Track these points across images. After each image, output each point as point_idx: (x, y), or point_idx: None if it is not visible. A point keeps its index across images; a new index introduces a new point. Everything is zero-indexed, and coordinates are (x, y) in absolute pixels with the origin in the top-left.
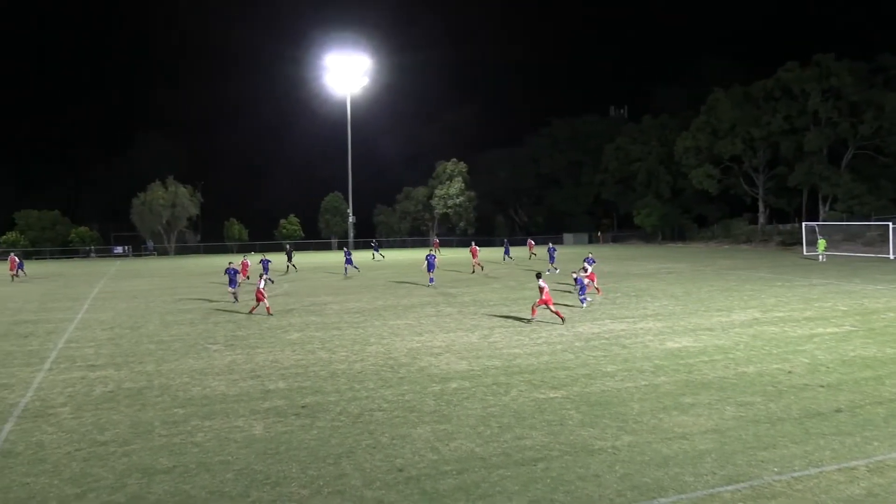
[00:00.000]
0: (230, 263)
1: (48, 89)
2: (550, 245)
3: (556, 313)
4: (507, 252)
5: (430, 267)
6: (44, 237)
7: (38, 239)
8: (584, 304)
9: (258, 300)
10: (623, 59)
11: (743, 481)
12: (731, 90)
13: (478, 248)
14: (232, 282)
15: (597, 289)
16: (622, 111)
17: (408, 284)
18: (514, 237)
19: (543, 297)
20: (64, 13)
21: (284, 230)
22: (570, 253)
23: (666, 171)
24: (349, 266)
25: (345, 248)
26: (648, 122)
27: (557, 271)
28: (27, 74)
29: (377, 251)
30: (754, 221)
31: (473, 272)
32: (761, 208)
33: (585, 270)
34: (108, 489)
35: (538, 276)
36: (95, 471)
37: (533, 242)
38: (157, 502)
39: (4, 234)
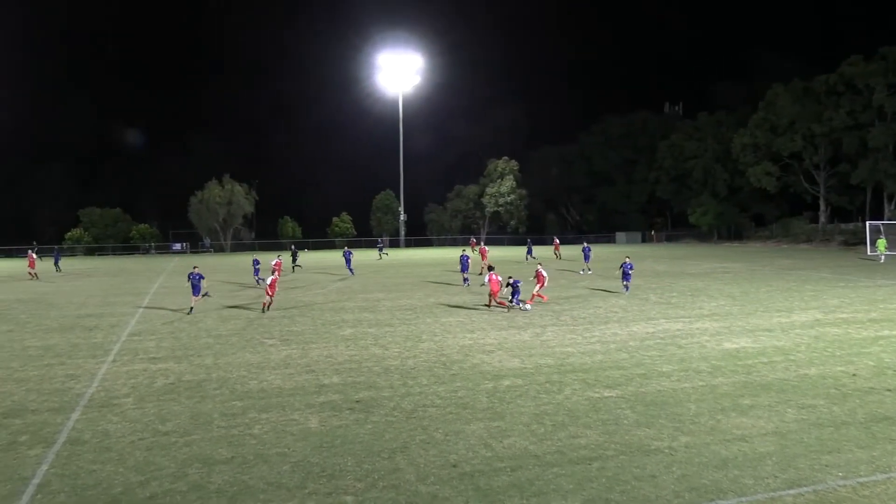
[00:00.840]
0: (195, 268)
1: (110, 92)
2: (585, 245)
3: (501, 303)
4: (529, 252)
5: (464, 267)
6: (106, 234)
7: (101, 236)
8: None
9: (270, 293)
10: (678, 55)
11: (806, 485)
12: (790, 85)
13: (486, 248)
14: (195, 288)
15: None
16: (677, 108)
17: (459, 283)
18: (566, 235)
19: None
20: (123, 18)
21: (337, 228)
22: (616, 252)
23: (722, 168)
24: (348, 266)
25: (345, 249)
26: (704, 118)
27: (591, 272)
28: (89, 80)
29: (382, 251)
30: (815, 220)
31: (480, 273)
32: (822, 207)
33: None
34: (170, 478)
35: (490, 268)
36: (158, 459)
37: (559, 242)
38: (217, 492)
39: (69, 231)
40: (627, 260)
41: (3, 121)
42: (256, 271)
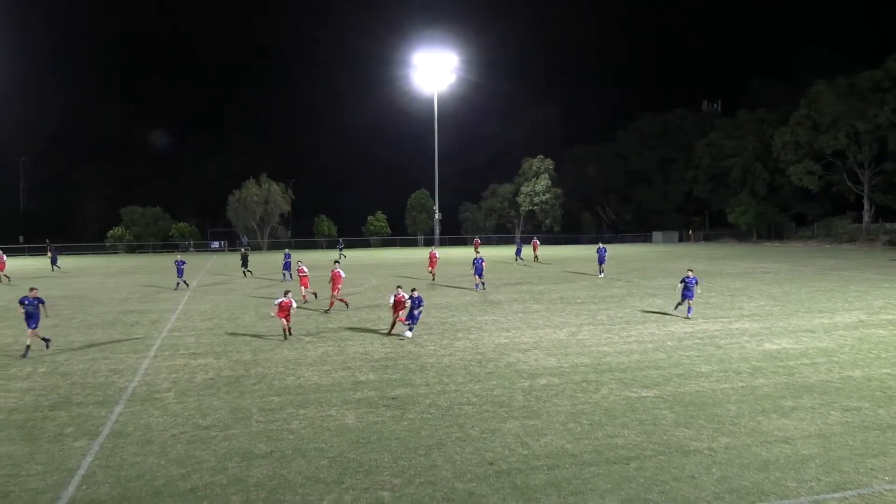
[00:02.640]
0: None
1: (151, 94)
2: (601, 246)
3: (342, 300)
4: (518, 252)
5: (479, 271)
6: (147, 232)
7: (142, 234)
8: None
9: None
10: (716, 52)
11: (850, 489)
12: (834, 82)
13: (437, 253)
14: (180, 272)
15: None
16: (715, 106)
17: (493, 280)
18: (602, 234)
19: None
20: (164, 22)
21: (372, 227)
22: (653, 252)
23: (762, 167)
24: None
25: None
26: (744, 116)
27: (602, 275)
28: (132, 82)
29: (341, 251)
30: (858, 220)
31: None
32: (866, 206)
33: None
34: (211, 471)
35: (336, 261)
36: (199, 453)
37: (538, 242)
38: (256, 485)
39: (111, 229)
40: (690, 274)
41: (50, 122)
42: (180, 272)
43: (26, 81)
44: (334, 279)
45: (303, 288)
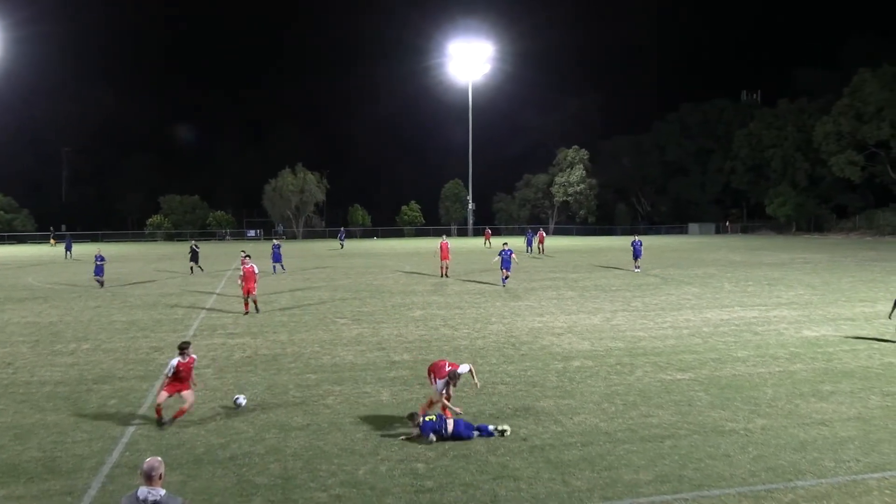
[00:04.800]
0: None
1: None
2: (636, 239)
3: (246, 303)
4: (529, 244)
5: (506, 263)
6: (185, 220)
7: (180, 222)
8: None
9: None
10: (756, 41)
11: (890, 469)
12: (878, 70)
13: (449, 243)
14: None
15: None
16: (755, 95)
17: (527, 267)
18: (638, 226)
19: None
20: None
21: (406, 216)
22: (688, 243)
23: (803, 157)
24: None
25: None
26: (784, 106)
27: (639, 270)
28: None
29: (342, 240)
30: None
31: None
32: None
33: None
34: (249, 441)
35: (246, 255)
36: (237, 424)
37: (544, 234)
38: (293, 455)
39: (151, 217)
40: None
41: (93, 115)
42: (98, 269)
43: (71, 75)
44: (246, 277)
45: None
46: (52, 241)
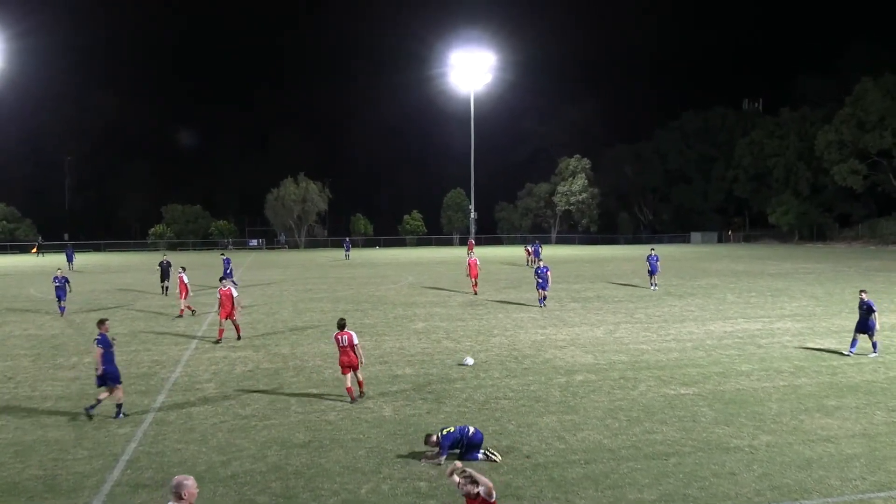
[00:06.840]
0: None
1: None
2: (652, 252)
3: (221, 330)
4: (537, 254)
5: (544, 284)
6: (187, 230)
7: (183, 231)
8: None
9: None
10: (758, 49)
11: None
12: (880, 79)
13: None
14: (60, 291)
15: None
16: (757, 104)
17: (530, 279)
18: (640, 234)
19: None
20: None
21: (408, 225)
22: (690, 252)
23: (805, 166)
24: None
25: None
26: (787, 114)
27: (655, 288)
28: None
29: (348, 251)
30: None
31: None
32: None
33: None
34: (251, 458)
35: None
36: (239, 441)
37: (473, 242)
38: (295, 473)
39: (153, 226)
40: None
41: (95, 122)
42: (59, 291)
43: (73, 83)
44: (223, 301)
45: (182, 301)
46: (33, 250)
